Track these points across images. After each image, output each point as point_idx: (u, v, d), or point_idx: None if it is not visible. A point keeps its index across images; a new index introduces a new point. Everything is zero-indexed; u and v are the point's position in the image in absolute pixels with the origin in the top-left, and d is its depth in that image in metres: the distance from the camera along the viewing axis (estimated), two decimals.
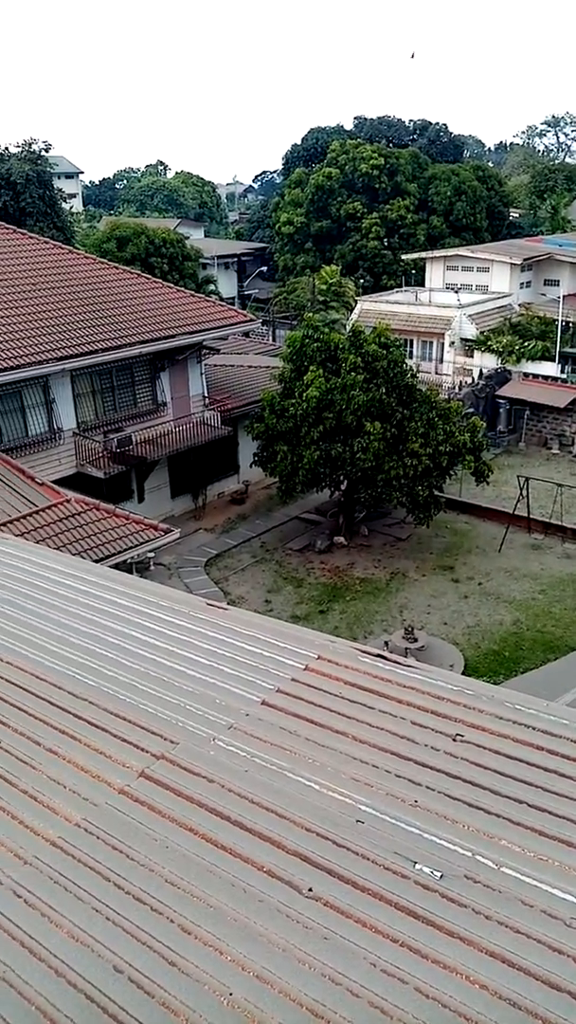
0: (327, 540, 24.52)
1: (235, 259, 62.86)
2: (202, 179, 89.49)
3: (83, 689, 4.98)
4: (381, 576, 22.74)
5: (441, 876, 3.61)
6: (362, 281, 53.20)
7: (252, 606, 21.18)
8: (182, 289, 27.25)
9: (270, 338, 45.69)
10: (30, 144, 43.58)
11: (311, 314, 28.73)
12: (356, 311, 42.06)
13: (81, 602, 6.00)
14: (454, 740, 4.45)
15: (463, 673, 17.35)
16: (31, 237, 24.76)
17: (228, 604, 22.29)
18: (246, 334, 35.79)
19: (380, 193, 57.94)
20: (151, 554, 18.52)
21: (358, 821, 3.89)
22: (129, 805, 4.02)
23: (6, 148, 43.46)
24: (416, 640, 18.29)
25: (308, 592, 22.06)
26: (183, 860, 3.69)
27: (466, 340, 38.92)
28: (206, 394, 26.27)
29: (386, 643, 18.40)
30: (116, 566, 16.27)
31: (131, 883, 3.59)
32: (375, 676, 5.02)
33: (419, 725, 4.59)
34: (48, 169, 44.33)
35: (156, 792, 4.09)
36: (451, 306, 40.03)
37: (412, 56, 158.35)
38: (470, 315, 39.37)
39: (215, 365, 28.86)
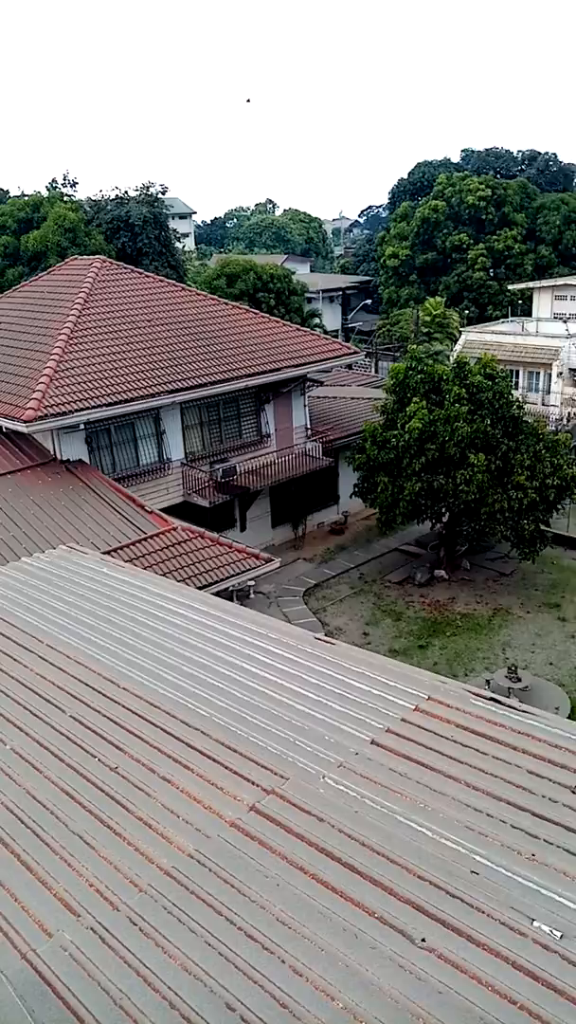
0: (427, 573, 24.13)
1: (340, 292, 63.61)
2: (309, 216, 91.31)
3: (196, 719, 5.07)
4: (483, 612, 22.15)
5: (561, 936, 3.46)
6: (467, 312, 52.70)
7: (350, 638, 21.02)
8: (288, 323, 27.72)
9: (373, 370, 45.77)
10: (148, 188, 45.77)
11: (414, 346, 28.62)
12: (460, 342, 41.63)
13: (194, 631, 6.14)
14: (574, 792, 4.27)
15: (569, 716, 16.61)
16: (147, 276, 25.83)
17: (326, 635, 22.12)
18: (349, 366, 36.00)
19: (487, 224, 57.48)
20: (251, 582, 18.74)
21: (472, 872, 3.78)
22: (240, 839, 4.05)
23: (126, 192, 45.78)
24: (519, 680, 17.65)
25: (407, 626, 21.72)
26: (294, 899, 3.68)
27: (575, 371, 37.78)
28: (309, 425, 26.54)
29: (488, 682, 17.84)
30: (218, 594, 16.55)
31: (243, 919, 3.60)
32: (488, 720, 4.90)
33: (535, 774, 4.44)
34: (164, 211, 46.30)
35: (267, 827, 4.11)
36: (559, 336, 38.99)
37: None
38: None
39: (318, 397, 29.12)
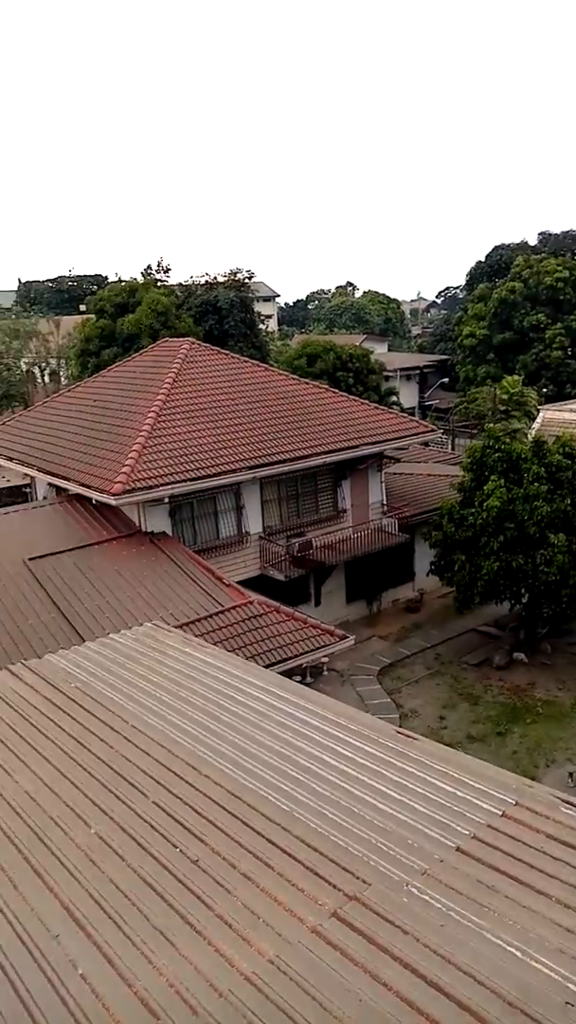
0: (506, 656, 23.41)
1: (417, 371, 64.35)
2: (387, 297, 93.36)
3: (276, 813, 5.03)
4: (565, 699, 21.25)
5: None
6: (545, 391, 52.32)
7: (425, 721, 20.45)
8: (365, 401, 28.12)
9: (450, 447, 45.73)
10: (235, 274, 47.86)
11: (492, 424, 28.54)
12: (539, 420, 41.17)
13: (275, 719, 6.14)
14: None
15: None
16: (232, 356, 26.78)
17: (401, 717, 21.44)
18: (426, 443, 36.08)
19: (565, 304, 57.48)
20: (325, 659, 18.55)
21: (567, 1003, 3.58)
22: (322, 947, 3.95)
23: (215, 277, 47.95)
24: None
25: (485, 711, 21.00)
26: (377, 1018, 3.55)
27: None
28: (385, 501, 26.56)
29: (571, 774, 17.03)
30: (292, 669, 16.47)
31: None
32: None
33: None
34: (249, 295, 48.18)
35: (349, 937, 4.00)
36: None
37: None
38: None
39: (395, 473, 29.18)
